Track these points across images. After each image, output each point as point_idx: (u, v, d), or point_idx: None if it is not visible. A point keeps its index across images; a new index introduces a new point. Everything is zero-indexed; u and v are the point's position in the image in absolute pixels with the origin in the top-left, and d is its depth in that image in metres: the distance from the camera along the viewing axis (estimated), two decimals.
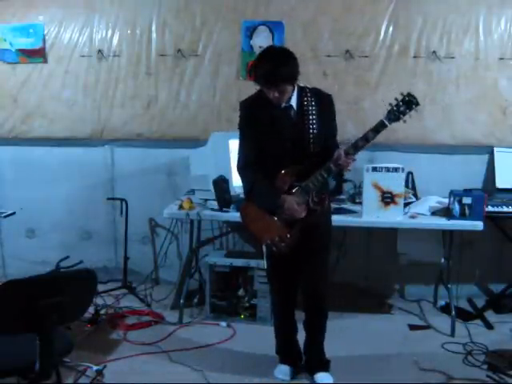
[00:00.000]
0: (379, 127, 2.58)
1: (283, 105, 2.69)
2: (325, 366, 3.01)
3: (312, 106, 2.71)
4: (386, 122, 2.58)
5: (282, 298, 3.03)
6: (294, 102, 2.71)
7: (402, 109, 2.57)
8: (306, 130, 2.69)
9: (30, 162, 4.45)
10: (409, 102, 2.57)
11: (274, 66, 2.56)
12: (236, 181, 3.65)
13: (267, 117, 2.70)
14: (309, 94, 2.73)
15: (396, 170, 3.36)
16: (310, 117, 2.69)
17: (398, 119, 2.58)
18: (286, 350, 3.10)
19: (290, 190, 2.71)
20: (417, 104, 2.57)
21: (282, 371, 3.06)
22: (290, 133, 2.70)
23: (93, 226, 4.49)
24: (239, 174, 2.87)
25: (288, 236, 2.71)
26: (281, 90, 2.61)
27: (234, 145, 3.69)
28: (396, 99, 2.59)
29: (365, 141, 2.59)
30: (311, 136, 2.68)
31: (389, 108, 2.59)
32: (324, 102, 2.76)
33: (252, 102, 2.78)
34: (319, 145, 2.70)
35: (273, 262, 2.90)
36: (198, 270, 4.16)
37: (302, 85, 2.75)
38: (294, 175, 2.70)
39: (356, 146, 2.60)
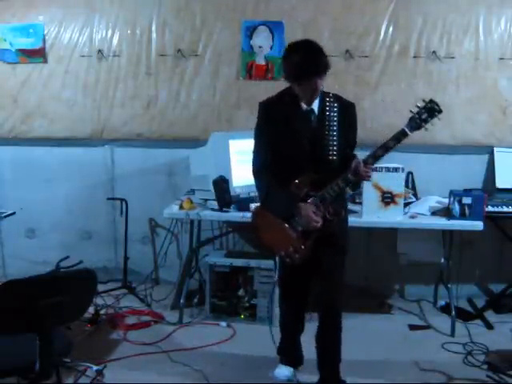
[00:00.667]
0: (400, 136, 2.46)
1: (304, 107, 2.62)
2: None
3: (334, 112, 2.61)
4: (407, 131, 2.45)
5: (294, 303, 2.98)
6: (315, 106, 2.63)
7: (424, 116, 2.45)
8: (325, 136, 2.59)
9: (29, 162, 4.46)
10: (431, 109, 2.44)
11: (313, 55, 2.48)
12: (236, 181, 3.65)
13: (287, 119, 2.62)
14: (331, 100, 2.63)
15: (396, 169, 3.37)
16: (331, 123, 2.60)
17: (419, 127, 2.46)
18: (289, 351, 3.09)
19: (305, 199, 2.61)
20: (439, 111, 2.44)
21: (283, 372, 3.05)
22: (308, 138, 2.61)
23: (93, 225, 4.49)
24: (254, 177, 2.76)
25: (302, 247, 2.63)
26: (315, 81, 2.50)
27: (234, 145, 3.70)
28: (418, 106, 2.46)
29: (384, 150, 2.49)
30: (330, 143, 2.59)
31: (410, 115, 2.46)
32: (346, 110, 2.67)
33: (272, 104, 2.70)
34: (337, 152, 2.60)
35: (286, 271, 2.84)
36: (198, 270, 4.16)
37: (325, 90, 2.65)
38: (308, 184, 2.61)
39: (375, 156, 2.51)
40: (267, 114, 2.70)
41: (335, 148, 2.59)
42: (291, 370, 3.06)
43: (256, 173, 2.75)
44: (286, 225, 2.65)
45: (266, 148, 2.68)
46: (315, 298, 2.89)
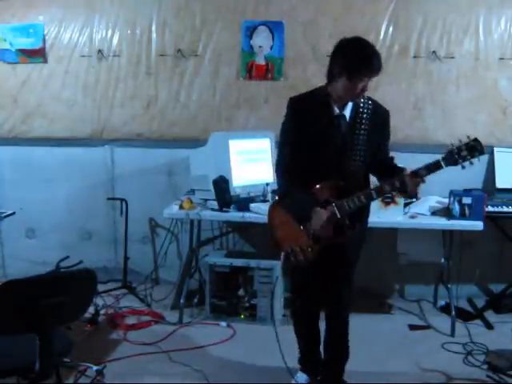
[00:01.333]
0: (433, 168, 2.37)
1: (336, 112, 2.52)
2: None
3: (366, 120, 2.52)
4: (442, 164, 2.35)
5: (308, 309, 2.90)
6: (348, 110, 2.53)
7: (463, 153, 2.32)
8: (354, 144, 2.50)
9: (29, 162, 4.45)
10: (472, 148, 2.31)
11: (373, 53, 2.39)
12: (236, 181, 3.65)
13: (315, 122, 2.53)
14: (365, 106, 2.54)
15: None
16: (361, 131, 2.50)
17: (455, 163, 2.34)
18: (305, 359, 3.00)
19: (324, 205, 2.51)
20: (481, 153, 2.31)
21: (300, 379, 2.96)
22: (336, 144, 2.52)
23: (93, 225, 4.49)
24: (278, 177, 2.68)
25: (309, 249, 2.52)
26: (366, 82, 2.41)
27: (233, 145, 3.70)
28: (460, 141, 2.34)
29: (415, 177, 2.40)
30: (357, 152, 2.50)
31: (449, 148, 2.35)
32: (379, 117, 2.58)
33: (302, 101, 2.59)
34: (364, 162, 2.52)
35: (295, 273, 2.76)
36: (198, 270, 4.16)
37: None
38: (330, 191, 2.51)
39: (403, 182, 2.41)
40: (296, 111, 2.58)
41: (362, 158, 2.51)
42: (308, 377, 2.97)
43: (278, 171, 2.68)
44: (299, 224, 2.58)
45: (291, 147, 2.61)
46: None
